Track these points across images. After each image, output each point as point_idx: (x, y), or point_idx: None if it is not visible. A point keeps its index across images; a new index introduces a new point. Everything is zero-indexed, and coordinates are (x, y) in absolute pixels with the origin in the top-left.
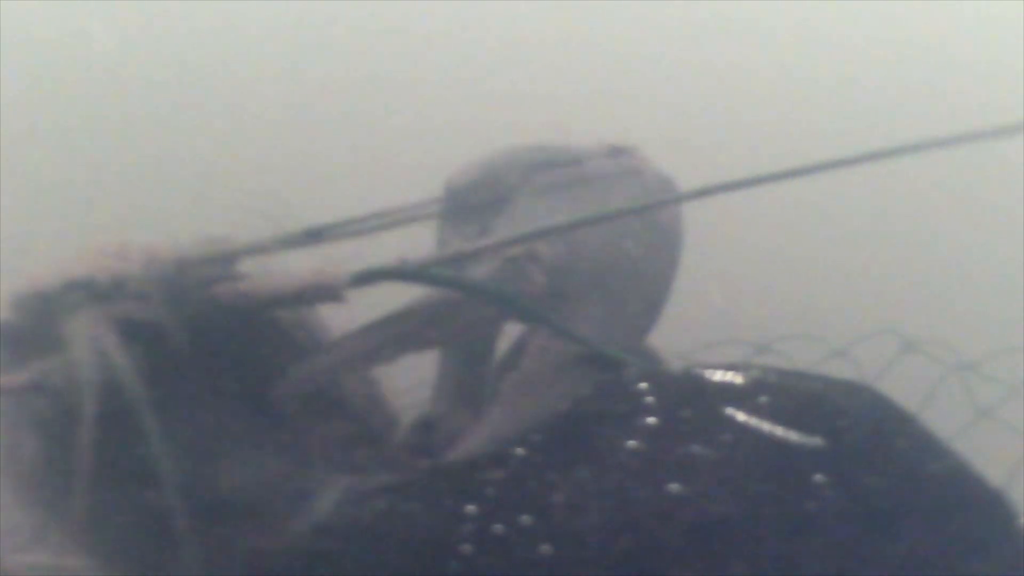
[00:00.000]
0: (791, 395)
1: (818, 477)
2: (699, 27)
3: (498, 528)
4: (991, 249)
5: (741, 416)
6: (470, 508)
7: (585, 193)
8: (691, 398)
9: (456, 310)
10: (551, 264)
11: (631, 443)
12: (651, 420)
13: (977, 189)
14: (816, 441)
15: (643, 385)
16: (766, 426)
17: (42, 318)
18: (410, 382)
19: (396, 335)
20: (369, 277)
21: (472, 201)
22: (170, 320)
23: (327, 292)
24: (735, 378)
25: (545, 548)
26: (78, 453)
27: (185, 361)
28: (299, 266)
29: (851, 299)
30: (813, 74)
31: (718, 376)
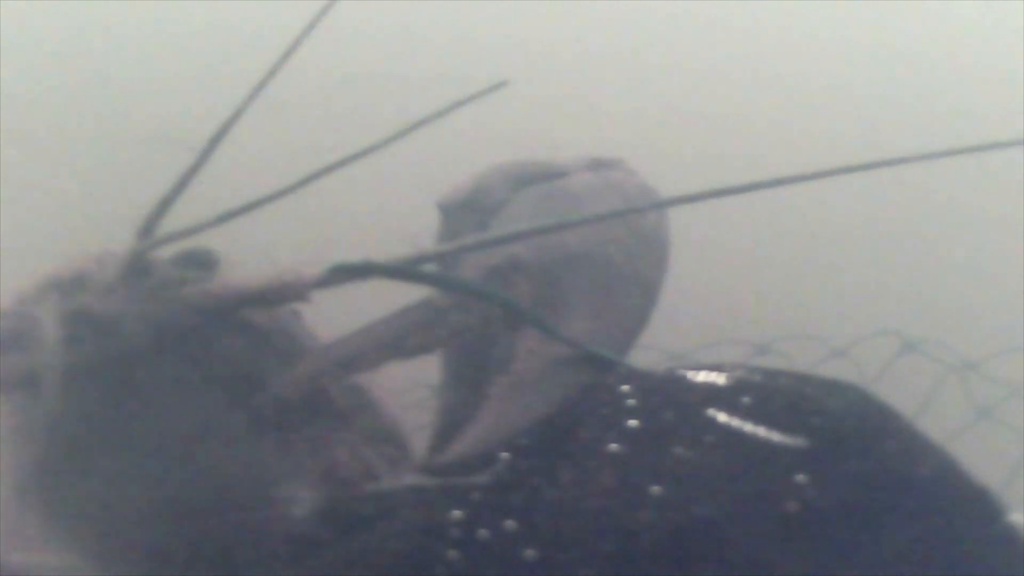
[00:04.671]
0: (774, 395)
1: (801, 477)
2: (695, 27)
3: (483, 533)
4: (991, 249)
5: (723, 417)
6: (456, 512)
7: (567, 206)
8: (673, 400)
9: (444, 316)
10: (535, 273)
11: (612, 447)
12: (632, 423)
13: (977, 189)
14: (799, 441)
15: (625, 387)
16: (748, 427)
17: (19, 321)
18: (409, 383)
19: (382, 342)
20: (355, 272)
21: (464, 219)
22: (133, 315)
23: (292, 292)
24: (717, 379)
25: (530, 553)
26: (40, 451)
27: (152, 358)
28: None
29: (851, 299)
30: (811, 77)
31: (700, 377)
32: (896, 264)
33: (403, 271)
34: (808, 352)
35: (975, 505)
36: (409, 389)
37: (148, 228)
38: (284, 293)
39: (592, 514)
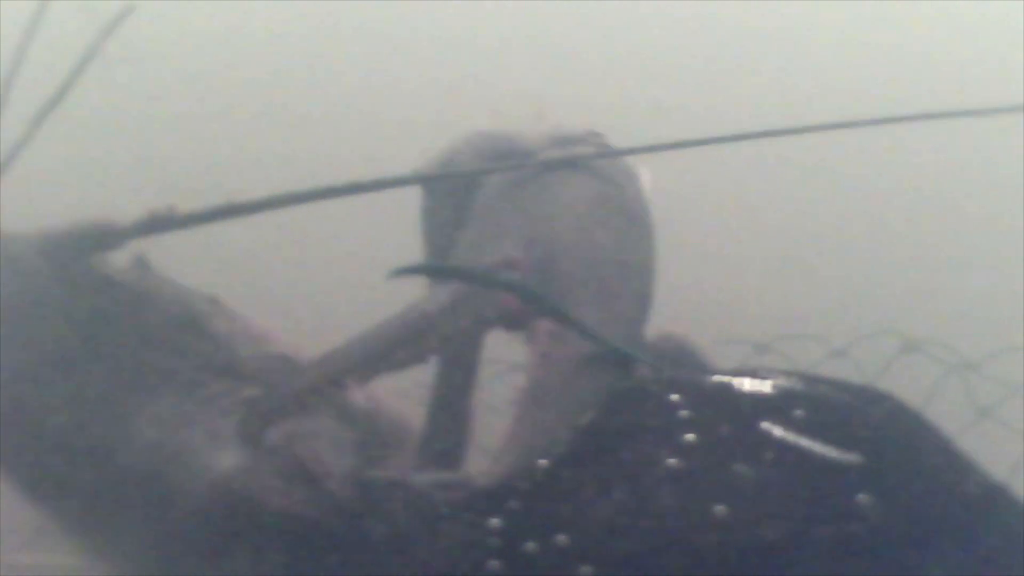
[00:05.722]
0: (821, 407)
1: (854, 493)
2: (693, 26)
3: (531, 547)
4: (991, 249)
5: (778, 431)
6: (502, 525)
7: (539, 187)
8: (725, 412)
9: (433, 324)
10: (530, 269)
11: (670, 461)
12: (674, 431)
13: (977, 189)
14: (853, 457)
15: (675, 397)
16: (804, 442)
17: None
18: (409, 383)
19: (372, 356)
20: (404, 272)
21: (440, 186)
22: None
23: (106, 236)
24: (765, 388)
25: (585, 571)
26: None
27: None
28: None
29: (851, 299)
30: (809, 75)
31: (748, 386)
32: (896, 263)
33: (437, 269)
34: (808, 352)
35: (1014, 520)
36: (409, 389)
37: None
38: (94, 235)
39: (641, 531)
